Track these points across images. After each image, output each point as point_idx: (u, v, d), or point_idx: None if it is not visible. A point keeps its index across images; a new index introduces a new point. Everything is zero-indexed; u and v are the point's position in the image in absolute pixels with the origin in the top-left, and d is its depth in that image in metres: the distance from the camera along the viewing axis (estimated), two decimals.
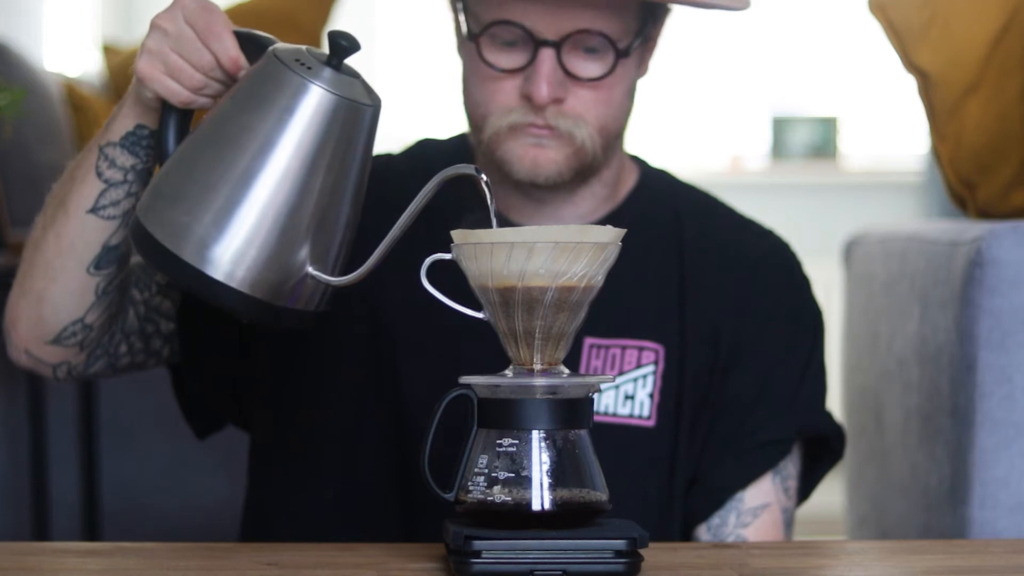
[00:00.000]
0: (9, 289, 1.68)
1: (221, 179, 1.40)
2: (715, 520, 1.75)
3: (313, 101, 1.40)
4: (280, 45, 1.44)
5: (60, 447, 2.94)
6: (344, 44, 1.41)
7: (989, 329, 1.93)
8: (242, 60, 1.47)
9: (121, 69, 3.49)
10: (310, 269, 1.42)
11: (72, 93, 3.39)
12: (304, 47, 1.44)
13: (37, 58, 3.69)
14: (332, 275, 1.43)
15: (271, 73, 1.41)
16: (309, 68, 1.41)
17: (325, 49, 1.44)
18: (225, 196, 1.40)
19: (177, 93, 1.49)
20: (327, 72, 1.41)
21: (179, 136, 1.50)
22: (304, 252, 1.42)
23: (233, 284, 1.40)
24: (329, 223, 1.42)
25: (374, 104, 1.43)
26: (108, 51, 3.63)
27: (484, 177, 1.38)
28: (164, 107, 1.51)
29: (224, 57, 1.47)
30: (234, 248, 1.40)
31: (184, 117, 1.51)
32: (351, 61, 1.43)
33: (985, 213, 2.13)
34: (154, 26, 1.50)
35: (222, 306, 1.42)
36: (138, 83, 1.52)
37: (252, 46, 1.47)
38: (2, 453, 2.95)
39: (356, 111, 1.42)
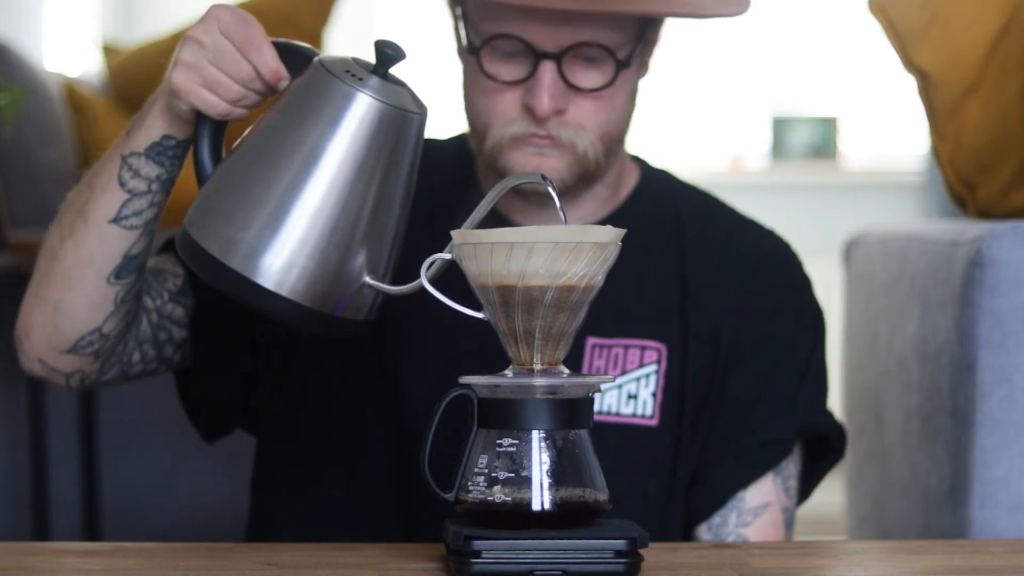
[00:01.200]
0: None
1: (273, 191, 1.40)
2: (716, 520, 1.75)
3: (361, 110, 1.40)
4: (326, 55, 1.45)
5: (60, 447, 2.94)
6: (390, 53, 1.42)
7: (989, 329, 1.93)
8: (283, 71, 1.46)
9: (121, 69, 3.48)
10: (367, 279, 1.43)
11: (72, 93, 3.38)
12: (351, 57, 1.44)
13: (37, 58, 3.69)
14: (385, 283, 1.44)
15: (319, 83, 1.42)
16: (358, 78, 1.41)
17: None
18: (276, 207, 1.40)
19: (215, 105, 1.48)
20: (375, 81, 1.41)
21: (214, 147, 1.50)
22: (359, 261, 1.42)
23: (284, 293, 1.41)
24: (380, 231, 1.43)
25: (421, 112, 1.44)
26: (108, 51, 3.63)
27: (551, 181, 1.39)
28: (199, 119, 1.50)
29: (264, 69, 1.46)
30: (285, 258, 1.40)
31: (219, 129, 1.50)
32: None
33: (985, 213, 2.13)
34: (189, 39, 1.49)
35: (273, 316, 1.42)
36: (172, 95, 1.50)
37: (291, 56, 1.47)
38: (2, 453, 2.96)
39: (404, 119, 1.42)
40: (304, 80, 1.43)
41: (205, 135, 1.50)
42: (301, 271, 1.41)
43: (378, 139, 1.41)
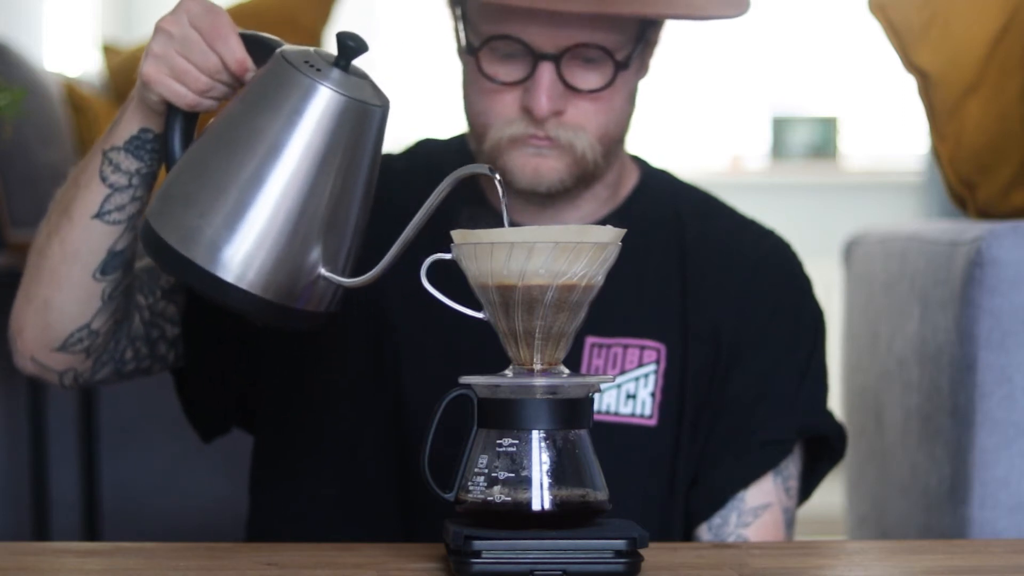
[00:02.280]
0: (9, 289, 1.68)
1: (232, 182, 1.40)
2: (716, 520, 1.75)
3: (322, 102, 1.40)
4: (288, 47, 1.44)
5: (60, 447, 2.94)
6: (352, 45, 1.41)
7: (989, 329, 1.93)
8: (248, 62, 1.47)
9: (121, 69, 3.49)
10: (322, 271, 1.42)
11: (72, 93, 3.38)
12: (312, 48, 1.44)
13: (37, 58, 3.69)
14: (343, 276, 1.44)
15: (280, 75, 1.41)
16: (318, 69, 1.41)
17: (331, 49, 1.44)
18: (235, 198, 1.40)
19: (183, 96, 1.49)
20: (335, 73, 1.41)
21: (185, 139, 1.50)
22: (316, 254, 1.42)
23: (243, 286, 1.40)
24: (339, 224, 1.42)
25: (383, 105, 1.43)
26: (108, 51, 3.63)
27: (498, 176, 1.39)
28: (169, 110, 1.50)
29: (230, 59, 1.47)
30: (245, 250, 1.40)
31: (189, 120, 1.51)
32: (357, 62, 1.43)
33: (985, 213, 2.13)
34: (159, 29, 1.49)
35: (233, 308, 1.42)
36: (143, 87, 1.51)
37: (258, 48, 1.47)
38: (2, 453, 2.96)
39: (365, 112, 1.42)
40: (265, 71, 1.43)
41: (176, 127, 1.50)
42: (261, 264, 1.40)
43: (338, 131, 1.40)
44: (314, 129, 1.40)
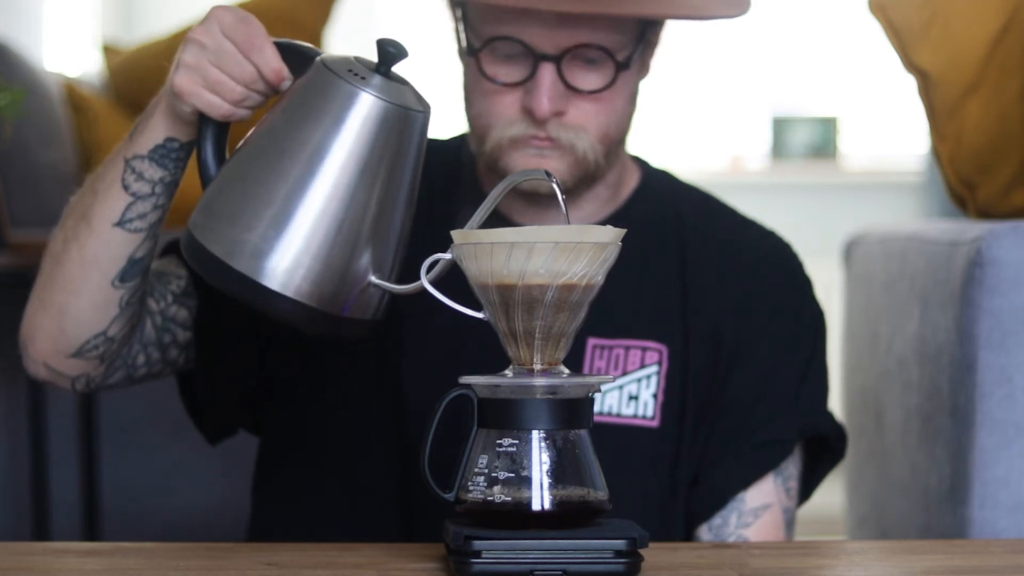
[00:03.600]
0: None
1: (277, 192, 1.40)
2: (716, 520, 1.75)
3: (365, 109, 1.40)
4: (328, 55, 1.44)
5: (60, 447, 2.94)
6: (392, 51, 1.41)
7: (989, 329, 1.93)
8: (285, 71, 1.46)
9: (121, 69, 3.48)
10: (373, 278, 1.43)
11: (72, 93, 3.38)
12: (352, 56, 1.44)
13: (37, 58, 3.69)
14: (390, 282, 1.44)
15: (322, 83, 1.41)
16: (361, 77, 1.41)
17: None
18: (281, 208, 1.40)
19: (218, 107, 1.48)
20: (377, 80, 1.41)
21: (217, 149, 1.50)
22: (363, 261, 1.42)
23: (290, 294, 1.40)
24: (385, 231, 1.43)
25: (425, 110, 1.44)
26: (108, 51, 3.63)
27: (555, 179, 1.39)
28: (201, 120, 1.50)
29: (267, 69, 1.46)
30: (291, 258, 1.40)
31: (222, 130, 1.50)
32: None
33: (985, 213, 2.13)
34: (190, 40, 1.48)
35: (280, 317, 1.42)
36: (175, 97, 1.50)
37: (293, 56, 1.47)
38: (2, 453, 2.96)
39: (408, 118, 1.42)
40: (307, 80, 1.43)
41: (208, 137, 1.50)
42: (307, 271, 1.40)
43: (382, 138, 1.41)
44: (358, 136, 1.40)
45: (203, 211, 1.44)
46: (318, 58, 1.44)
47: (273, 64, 1.46)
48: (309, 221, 1.40)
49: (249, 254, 1.40)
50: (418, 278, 1.39)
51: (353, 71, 1.41)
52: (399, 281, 1.45)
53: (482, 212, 1.39)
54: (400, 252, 1.45)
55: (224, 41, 1.47)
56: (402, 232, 1.44)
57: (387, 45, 1.42)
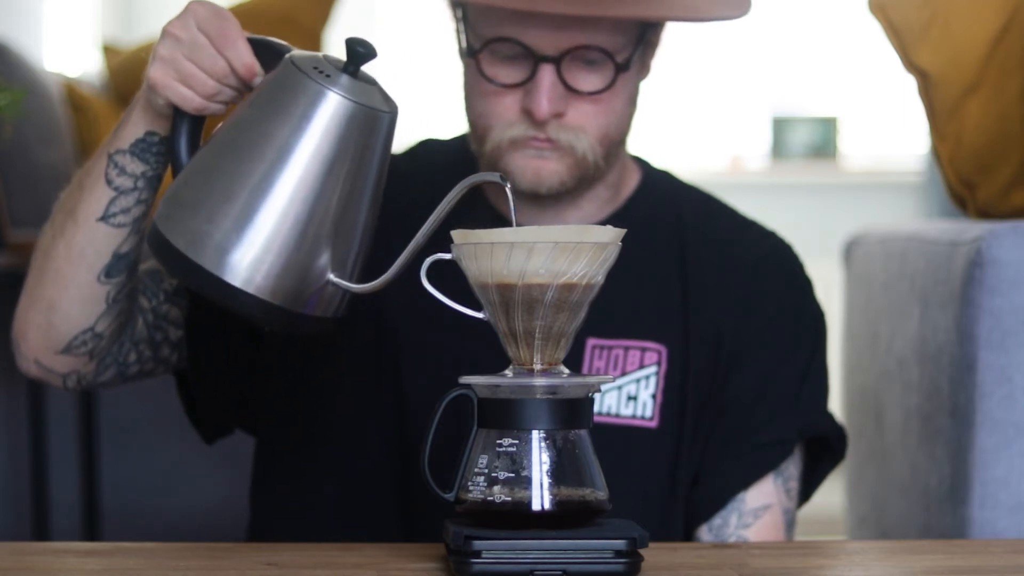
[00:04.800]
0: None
1: (240, 186, 1.40)
2: (716, 521, 1.75)
3: (330, 108, 1.40)
4: (297, 52, 1.44)
5: (60, 447, 2.94)
6: (361, 51, 1.41)
7: (989, 329, 1.93)
8: (257, 67, 1.46)
9: (121, 69, 3.48)
10: (331, 276, 1.42)
11: (72, 93, 3.39)
12: (321, 54, 1.44)
13: (37, 58, 3.69)
14: (351, 281, 1.44)
15: (289, 80, 1.41)
16: (327, 75, 1.41)
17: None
18: (244, 203, 1.40)
19: (190, 100, 1.48)
20: (344, 79, 1.41)
21: (191, 143, 1.50)
22: (324, 259, 1.42)
23: (251, 290, 1.40)
24: (348, 229, 1.42)
25: (391, 111, 1.43)
26: (108, 51, 3.63)
27: (508, 184, 1.39)
28: (176, 114, 1.50)
29: (238, 64, 1.46)
30: (252, 254, 1.40)
31: (196, 124, 1.50)
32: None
33: (985, 213, 2.13)
34: (166, 33, 1.49)
35: (240, 313, 1.42)
36: (150, 90, 1.51)
37: (266, 52, 1.47)
38: (2, 453, 2.96)
39: (374, 118, 1.42)
40: (274, 76, 1.43)
41: (182, 130, 1.50)
42: (269, 268, 1.40)
43: (346, 137, 1.41)
44: (323, 134, 1.40)
45: (167, 202, 1.44)
46: (287, 55, 1.44)
47: (245, 59, 1.46)
48: (272, 218, 1.40)
49: (212, 248, 1.40)
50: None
51: (320, 69, 1.41)
52: (363, 279, 1.45)
53: (435, 216, 1.39)
54: (364, 251, 1.45)
55: (198, 35, 1.47)
56: (365, 231, 1.44)
57: (356, 44, 1.41)
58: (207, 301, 1.45)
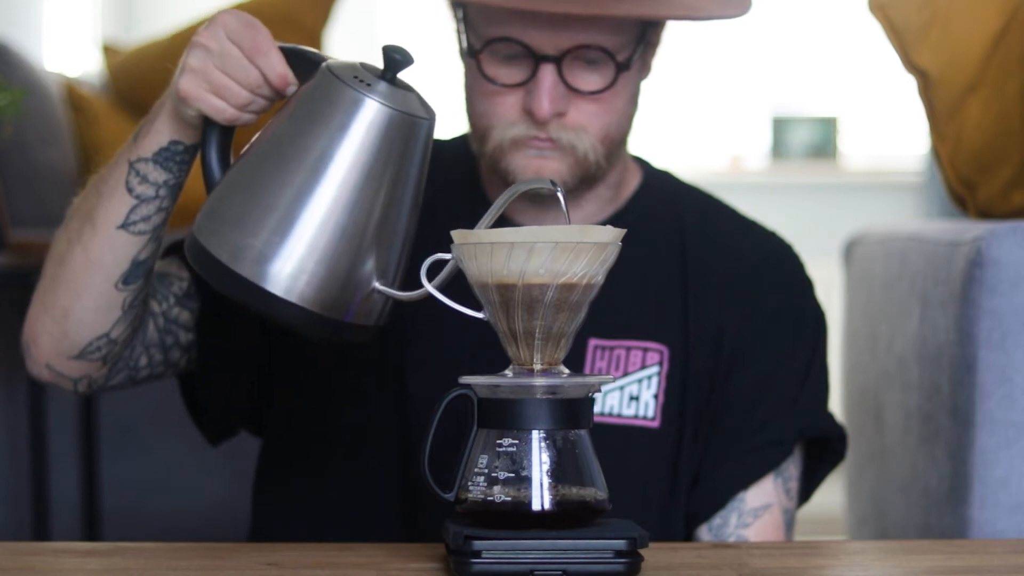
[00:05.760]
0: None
1: (282, 197, 1.40)
2: (716, 520, 1.75)
3: (370, 115, 1.40)
4: (333, 61, 1.44)
5: (60, 447, 2.94)
6: (398, 58, 1.42)
7: (989, 329, 1.93)
8: (290, 76, 1.46)
9: (121, 69, 3.48)
10: (377, 284, 1.43)
11: (72, 93, 3.38)
12: (358, 62, 1.44)
13: (37, 58, 3.69)
14: (394, 288, 1.44)
15: (328, 89, 1.41)
16: (366, 84, 1.41)
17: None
18: (286, 213, 1.40)
19: (223, 111, 1.48)
20: (383, 86, 1.41)
21: (222, 152, 1.50)
22: (368, 267, 1.42)
23: (293, 299, 1.40)
24: (389, 237, 1.43)
25: (429, 117, 1.44)
26: (108, 51, 3.63)
27: (560, 189, 1.40)
28: (206, 124, 1.50)
29: (272, 74, 1.46)
30: (295, 264, 1.40)
31: (227, 134, 1.50)
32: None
33: (985, 213, 2.13)
34: (195, 44, 1.48)
35: (284, 323, 1.42)
36: (180, 101, 1.50)
37: (299, 61, 1.47)
38: (2, 453, 2.96)
39: (413, 124, 1.42)
40: (312, 85, 1.43)
41: (213, 141, 1.50)
42: (310, 277, 1.40)
43: (386, 144, 1.41)
44: (363, 142, 1.40)
45: (207, 215, 1.44)
46: (324, 64, 1.44)
47: (278, 69, 1.46)
48: (313, 227, 1.40)
49: (253, 259, 1.40)
50: (417, 280, 1.39)
51: (359, 77, 1.41)
52: (403, 287, 1.45)
53: (487, 220, 1.39)
54: (405, 258, 1.45)
55: (230, 45, 1.47)
56: (406, 238, 1.44)
57: (393, 52, 1.42)
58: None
